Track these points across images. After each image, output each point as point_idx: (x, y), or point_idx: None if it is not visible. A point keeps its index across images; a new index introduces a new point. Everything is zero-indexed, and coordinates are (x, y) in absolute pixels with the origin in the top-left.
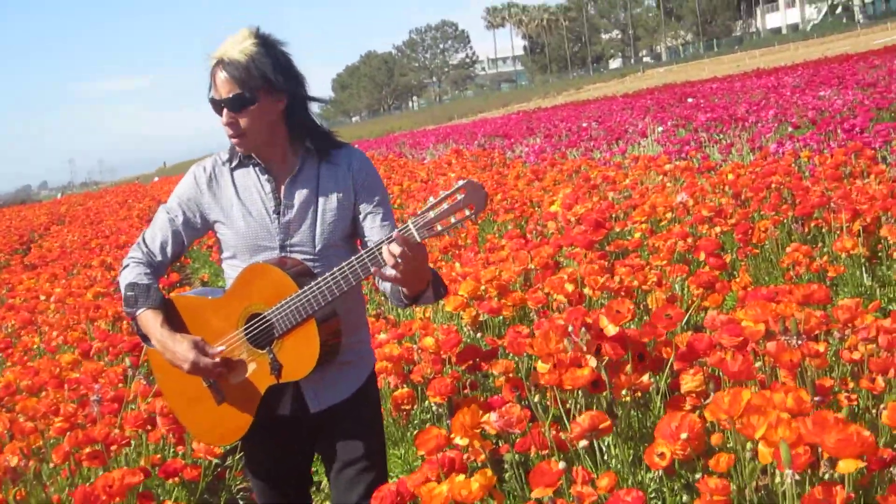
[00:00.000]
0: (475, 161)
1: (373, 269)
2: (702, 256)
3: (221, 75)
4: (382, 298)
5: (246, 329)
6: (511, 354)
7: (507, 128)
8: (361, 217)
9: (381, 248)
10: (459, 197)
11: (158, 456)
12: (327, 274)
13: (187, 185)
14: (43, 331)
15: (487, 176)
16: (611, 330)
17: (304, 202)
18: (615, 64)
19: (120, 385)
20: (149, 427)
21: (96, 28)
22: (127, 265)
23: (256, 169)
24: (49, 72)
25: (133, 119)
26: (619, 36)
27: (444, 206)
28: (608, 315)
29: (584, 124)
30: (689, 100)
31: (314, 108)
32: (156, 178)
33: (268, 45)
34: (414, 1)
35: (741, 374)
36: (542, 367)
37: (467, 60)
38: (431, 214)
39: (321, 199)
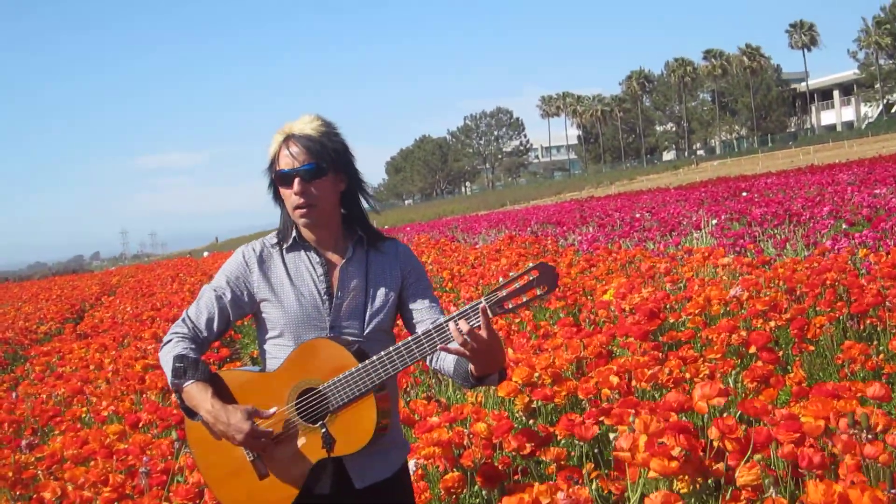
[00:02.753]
0: (527, 248)
1: (440, 346)
2: (752, 350)
3: (294, 148)
4: (433, 380)
5: (297, 403)
6: (563, 441)
7: (559, 216)
8: (410, 300)
9: (441, 327)
10: (531, 277)
11: None
12: (390, 349)
13: (236, 263)
14: (91, 400)
15: None
16: (702, 406)
17: (355, 287)
18: (669, 156)
19: (168, 458)
20: (196, 501)
21: (155, 103)
22: (169, 340)
23: (309, 253)
24: (105, 145)
25: (186, 194)
26: (674, 128)
27: (516, 285)
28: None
29: (637, 215)
30: (744, 193)
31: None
32: (205, 254)
33: (332, 129)
34: (469, 88)
35: (814, 467)
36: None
37: (521, 148)
38: (503, 293)
39: (371, 285)
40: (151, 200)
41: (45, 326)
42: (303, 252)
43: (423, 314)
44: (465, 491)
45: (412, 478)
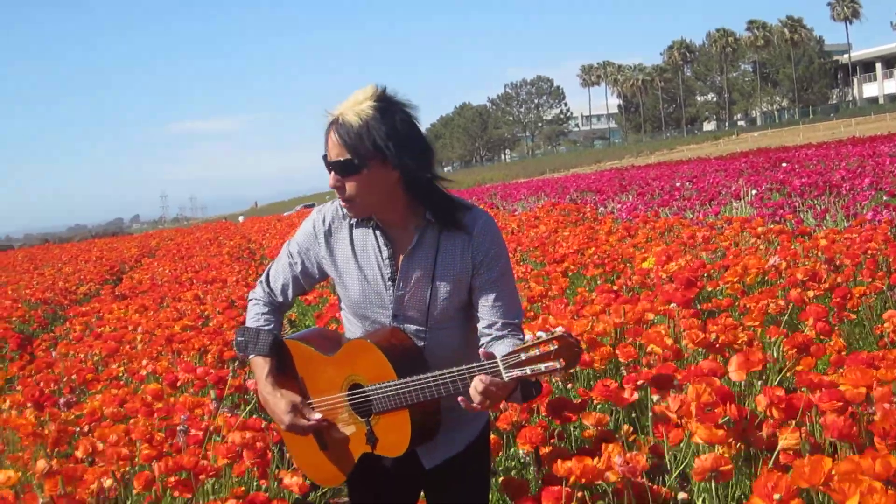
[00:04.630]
0: (566, 215)
1: (461, 389)
2: (793, 319)
3: (333, 137)
4: None
5: (350, 394)
6: (600, 407)
7: (599, 184)
8: (475, 292)
9: (463, 376)
10: (552, 347)
11: (242, 488)
12: (423, 378)
13: (306, 234)
14: (127, 361)
15: (580, 230)
16: (735, 377)
17: (419, 277)
18: (709, 126)
19: (206, 417)
20: (237, 459)
21: (196, 68)
22: (250, 300)
23: (377, 232)
24: (147, 108)
25: (226, 159)
26: (715, 99)
27: (536, 351)
28: (739, 361)
29: (678, 184)
30: (784, 164)
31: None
32: (241, 219)
33: (387, 110)
34: (510, 56)
35: (843, 436)
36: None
37: (561, 116)
38: (522, 356)
39: (437, 275)
40: (192, 165)
41: (84, 287)
42: (371, 230)
43: (483, 312)
44: (500, 454)
45: None
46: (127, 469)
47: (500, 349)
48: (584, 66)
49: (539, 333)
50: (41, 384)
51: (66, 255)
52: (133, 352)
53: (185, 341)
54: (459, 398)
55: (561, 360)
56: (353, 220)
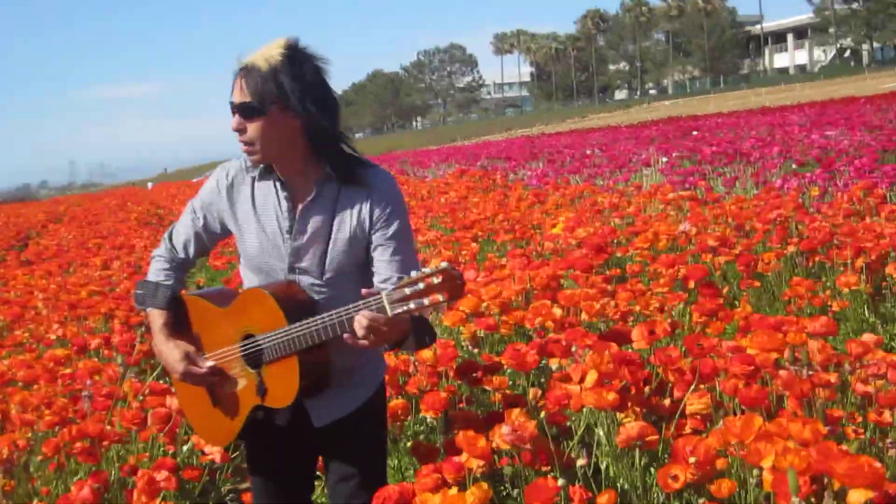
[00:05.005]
0: (477, 182)
1: (348, 329)
2: (692, 285)
3: (240, 81)
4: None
5: (242, 346)
6: (509, 371)
7: (510, 151)
8: (373, 247)
9: (349, 314)
10: (436, 281)
11: (147, 455)
12: (311, 321)
13: (210, 189)
14: (32, 326)
15: (490, 197)
16: (637, 346)
17: (317, 229)
18: (621, 95)
19: (113, 383)
20: (141, 426)
21: (105, 32)
22: (153, 258)
23: (277, 184)
24: (55, 72)
25: (137, 125)
26: (627, 67)
27: (420, 285)
28: (642, 330)
29: (588, 151)
30: (694, 133)
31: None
32: (150, 185)
33: (297, 59)
34: (423, 23)
35: (755, 401)
36: (591, 377)
37: (473, 84)
38: (407, 291)
39: (335, 228)
40: (102, 131)
41: None
42: (272, 183)
43: (380, 267)
44: (409, 418)
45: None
46: (30, 436)
47: None
48: (498, 34)
49: (423, 269)
50: None
51: None
52: (39, 317)
53: (91, 307)
54: (346, 336)
55: (444, 293)
56: (256, 174)
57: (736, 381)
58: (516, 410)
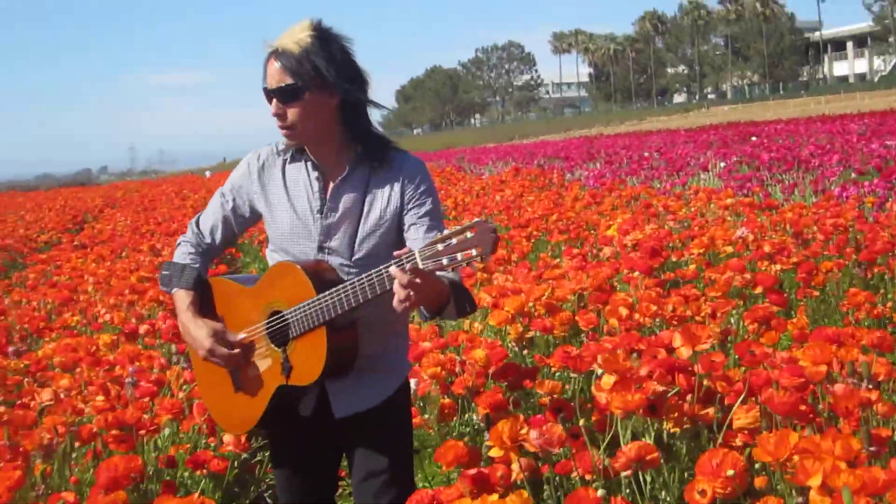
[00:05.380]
0: (533, 180)
1: (387, 287)
2: (759, 290)
3: (274, 65)
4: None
5: (268, 324)
6: (558, 374)
7: (567, 151)
8: (406, 227)
9: (386, 272)
10: (469, 235)
11: (189, 445)
12: (342, 286)
13: (240, 171)
14: (82, 310)
15: (545, 196)
16: (684, 353)
17: (348, 208)
18: (679, 98)
19: (160, 370)
20: (180, 416)
21: (167, 21)
22: (178, 244)
23: (308, 165)
24: (117, 60)
25: (198, 113)
26: (686, 71)
27: (453, 241)
28: (683, 337)
29: (646, 154)
30: (753, 138)
31: (375, 114)
32: (208, 174)
33: (325, 39)
34: (482, 20)
35: (789, 410)
36: (606, 382)
37: (532, 83)
38: (439, 247)
39: (366, 207)
40: (163, 119)
41: (45, 236)
42: (303, 164)
43: (414, 245)
44: (455, 419)
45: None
46: (73, 421)
47: None
48: (556, 34)
49: (453, 227)
50: None
51: (30, 203)
52: (89, 301)
53: (141, 292)
54: (380, 291)
55: (478, 247)
56: (287, 157)
57: (784, 393)
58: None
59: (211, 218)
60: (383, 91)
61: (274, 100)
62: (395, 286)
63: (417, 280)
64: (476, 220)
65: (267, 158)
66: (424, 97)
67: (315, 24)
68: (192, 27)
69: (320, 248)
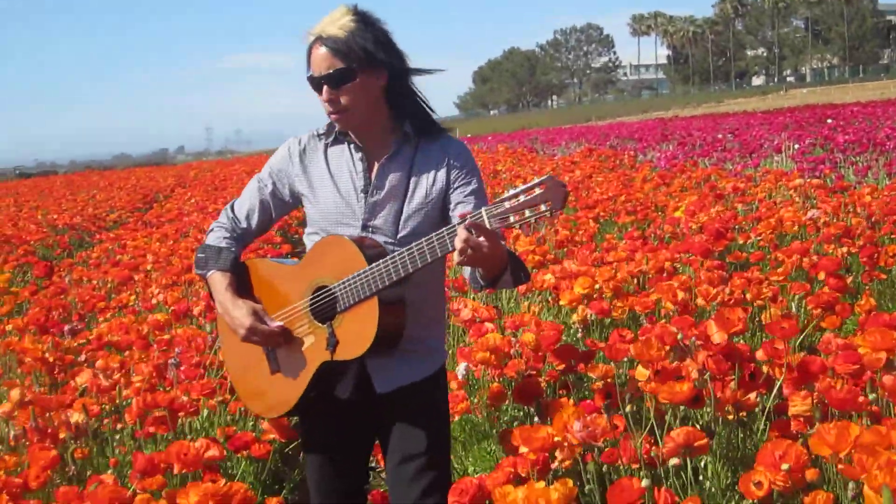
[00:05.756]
0: (604, 161)
1: (440, 253)
2: (821, 276)
3: (320, 51)
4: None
5: (311, 300)
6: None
7: (641, 132)
8: (452, 206)
9: (451, 231)
10: (538, 191)
11: (233, 428)
12: (397, 252)
13: (280, 156)
14: (139, 289)
15: (614, 176)
16: (717, 338)
17: (394, 186)
18: (758, 81)
19: (207, 351)
20: (211, 397)
21: (242, 2)
22: (211, 229)
23: (351, 147)
24: (194, 40)
25: (275, 94)
26: (765, 54)
27: (521, 198)
28: (717, 322)
29: (720, 135)
30: (829, 121)
31: (452, 94)
32: None
33: (367, 22)
34: (561, 1)
35: (846, 404)
36: (640, 372)
37: (610, 65)
38: (507, 205)
39: (411, 185)
40: (240, 98)
41: (114, 215)
42: (346, 146)
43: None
44: (507, 402)
45: (454, 385)
46: (105, 402)
47: None
48: (635, 16)
49: (520, 184)
50: (52, 310)
51: (104, 182)
52: (147, 281)
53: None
54: (441, 253)
55: (547, 202)
56: (329, 140)
57: (835, 381)
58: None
59: (247, 203)
60: (461, 72)
61: (324, 86)
62: (458, 242)
63: (482, 239)
64: (545, 176)
65: (308, 142)
66: (501, 78)
67: (353, 8)
68: (272, 8)
69: (364, 227)
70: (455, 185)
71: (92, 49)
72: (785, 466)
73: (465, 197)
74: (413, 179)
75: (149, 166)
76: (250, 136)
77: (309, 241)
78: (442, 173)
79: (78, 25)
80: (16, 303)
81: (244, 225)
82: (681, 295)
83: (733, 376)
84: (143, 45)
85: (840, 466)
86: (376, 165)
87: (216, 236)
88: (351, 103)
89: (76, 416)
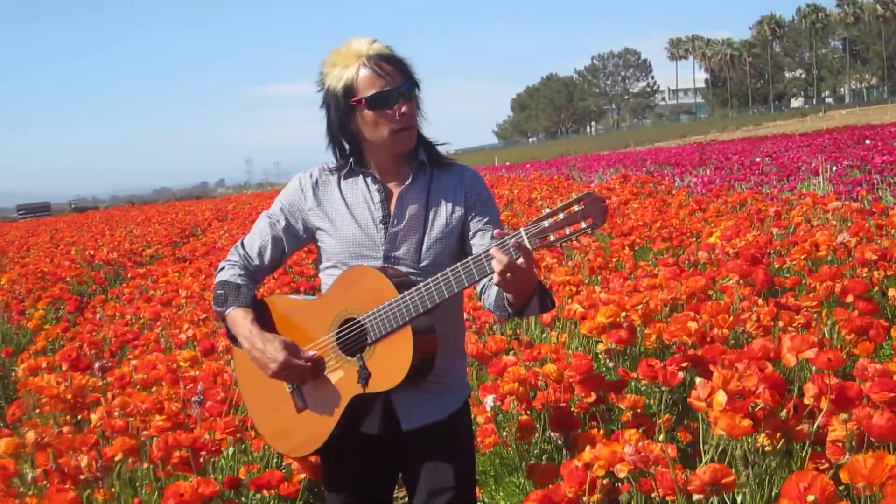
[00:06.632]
0: (640, 187)
1: (478, 277)
2: (849, 299)
3: (385, 67)
4: (520, 318)
5: (338, 333)
6: (644, 388)
7: (678, 157)
8: (471, 234)
9: (488, 254)
10: (577, 208)
11: (259, 465)
12: (429, 279)
13: (292, 190)
14: (167, 326)
15: (649, 202)
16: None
17: (413, 215)
18: (797, 103)
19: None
20: (235, 435)
21: (280, 33)
22: (222, 268)
23: (367, 179)
24: (233, 74)
25: (313, 124)
26: (803, 75)
27: (560, 216)
28: (790, 348)
29: (758, 159)
30: (867, 142)
31: (491, 123)
32: None
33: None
34: (597, 27)
35: (885, 432)
36: (719, 399)
37: (648, 89)
38: (546, 224)
39: (431, 214)
40: (278, 130)
41: (150, 249)
42: (360, 178)
43: (483, 250)
44: (536, 435)
45: (479, 419)
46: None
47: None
48: (672, 40)
49: (559, 202)
50: (85, 346)
51: (142, 217)
52: (175, 316)
53: None
54: (478, 277)
55: (588, 219)
56: (342, 174)
57: (872, 410)
58: (629, 432)
59: (258, 240)
60: (499, 100)
61: (401, 99)
62: (495, 264)
63: (520, 261)
64: (584, 192)
65: (320, 176)
66: (539, 105)
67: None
68: (308, 39)
69: (386, 258)
70: (474, 213)
71: (132, 83)
72: (811, 498)
73: (484, 224)
74: (433, 209)
75: (189, 200)
76: (289, 167)
77: (326, 275)
78: (460, 201)
79: (118, 62)
80: (48, 339)
81: (257, 262)
82: (692, 326)
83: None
84: (186, 78)
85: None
86: (394, 195)
87: (230, 274)
88: (415, 120)
89: (83, 461)
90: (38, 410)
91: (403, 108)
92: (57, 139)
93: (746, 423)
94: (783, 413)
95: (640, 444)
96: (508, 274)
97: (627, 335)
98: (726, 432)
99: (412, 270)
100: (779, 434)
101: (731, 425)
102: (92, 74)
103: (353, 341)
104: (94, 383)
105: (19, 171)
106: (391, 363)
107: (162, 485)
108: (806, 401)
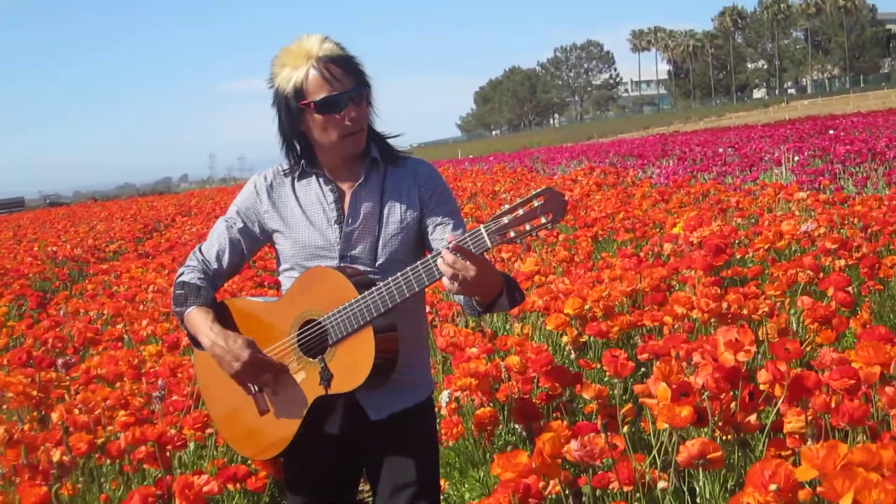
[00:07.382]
0: (603, 178)
1: (427, 281)
2: (830, 291)
3: (334, 70)
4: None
5: (299, 335)
6: (607, 379)
7: (642, 148)
8: (430, 229)
9: (436, 258)
10: (537, 204)
11: (224, 460)
12: (388, 280)
13: (247, 193)
14: (129, 322)
15: (612, 194)
16: (729, 360)
17: (368, 214)
18: (759, 94)
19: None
20: (203, 430)
21: (241, 28)
22: (181, 273)
23: (320, 179)
24: (195, 69)
25: (274, 120)
26: (765, 66)
27: (520, 211)
28: (727, 344)
29: (720, 150)
30: (831, 132)
31: (454, 115)
32: None
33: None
34: (560, 19)
35: (854, 420)
36: (662, 392)
37: (611, 81)
38: (505, 220)
39: (385, 211)
40: (241, 126)
41: (114, 245)
42: (313, 179)
43: (442, 245)
44: (500, 427)
45: (443, 411)
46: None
47: None
48: (635, 31)
49: (518, 198)
50: (48, 342)
51: (105, 213)
52: (137, 312)
53: None
54: (428, 281)
55: (548, 213)
56: (295, 175)
57: (833, 397)
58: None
59: (216, 244)
60: (462, 93)
61: (350, 104)
62: (441, 264)
63: (468, 263)
64: (543, 187)
65: (274, 178)
66: (503, 98)
67: (326, 36)
68: (270, 34)
69: (342, 258)
70: (430, 208)
71: (90, 78)
72: (773, 487)
73: (443, 218)
74: (387, 206)
75: (152, 195)
76: (252, 163)
77: (285, 277)
78: (415, 197)
79: (73, 55)
80: (11, 336)
81: (215, 266)
82: (679, 310)
83: (733, 396)
84: (143, 71)
85: (820, 489)
86: (347, 195)
87: (189, 277)
88: (364, 122)
89: (57, 455)
90: (4, 406)
91: (353, 114)
92: (15, 134)
93: (686, 412)
94: (732, 405)
95: (587, 437)
96: (460, 276)
97: (607, 328)
98: (668, 423)
99: (369, 269)
100: (728, 426)
101: (671, 416)
102: (54, 70)
103: (315, 343)
104: (58, 379)
105: None
106: (353, 364)
107: (129, 480)
108: (761, 387)
